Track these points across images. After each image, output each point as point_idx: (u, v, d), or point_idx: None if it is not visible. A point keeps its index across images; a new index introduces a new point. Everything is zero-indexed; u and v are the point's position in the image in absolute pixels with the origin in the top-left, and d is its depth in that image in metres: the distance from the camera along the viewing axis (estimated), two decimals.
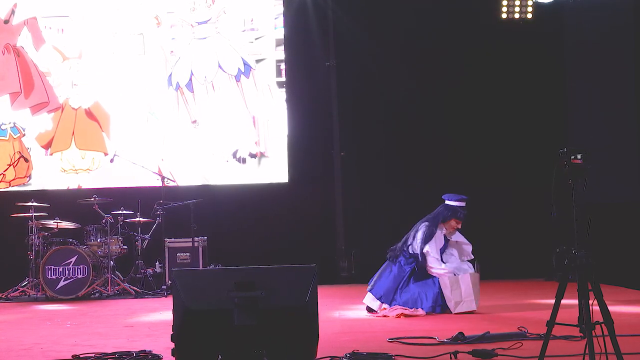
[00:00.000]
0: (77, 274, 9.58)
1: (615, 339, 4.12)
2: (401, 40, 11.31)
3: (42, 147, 11.25)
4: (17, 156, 10.90)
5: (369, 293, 7.53)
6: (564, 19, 11.35)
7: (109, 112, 11.29)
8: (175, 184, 11.08)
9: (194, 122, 11.32)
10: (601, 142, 10.32)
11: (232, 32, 11.41)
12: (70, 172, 11.25)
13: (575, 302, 4.17)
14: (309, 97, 11.48)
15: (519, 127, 11.18)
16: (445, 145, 11.19)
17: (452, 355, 4.96)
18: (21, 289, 9.81)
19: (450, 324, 6.57)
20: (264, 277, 4.39)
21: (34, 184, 11.19)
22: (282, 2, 11.46)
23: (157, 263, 10.32)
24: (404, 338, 5.73)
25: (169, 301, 5.02)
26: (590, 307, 4.11)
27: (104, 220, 9.95)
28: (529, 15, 11.09)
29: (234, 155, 11.30)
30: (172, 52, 11.36)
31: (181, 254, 10.30)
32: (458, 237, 7.77)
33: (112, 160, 10.66)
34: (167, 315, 4.63)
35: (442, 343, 5.53)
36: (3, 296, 9.69)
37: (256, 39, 11.42)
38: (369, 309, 7.48)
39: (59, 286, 9.55)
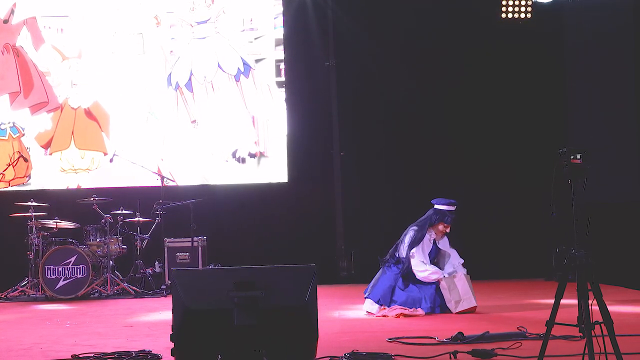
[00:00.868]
0: (77, 274, 9.58)
1: (614, 339, 4.12)
2: (401, 40, 11.31)
3: (42, 146, 11.24)
4: (17, 156, 10.90)
5: (367, 299, 7.53)
6: (564, 19, 11.35)
7: (109, 112, 11.28)
8: (175, 184, 11.07)
9: (194, 121, 11.31)
10: (601, 142, 10.31)
11: (231, 32, 11.40)
12: (70, 172, 11.24)
13: (575, 302, 4.18)
14: (309, 97, 11.47)
15: (519, 127, 11.18)
16: (445, 145, 11.19)
17: (452, 355, 4.97)
18: (21, 289, 9.80)
19: (449, 323, 6.58)
20: (263, 277, 4.39)
21: (34, 184, 11.18)
22: (281, 1, 11.44)
23: (157, 263, 10.32)
24: (404, 338, 5.74)
25: (168, 301, 5.01)
26: (590, 307, 4.11)
27: (103, 220, 9.95)
28: (529, 15, 11.09)
29: (234, 155, 11.29)
30: (171, 51, 11.35)
31: (181, 254, 10.30)
32: (445, 244, 7.80)
33: (111, 160, 10.64)
34: (167, 315, 4.62)
35: (441, 343, 5.54)
36: (3, 296, 9.68)
37: (256, 38, 11.41)
38: (370, 313, 7.48)
39: (58, 286, 9.55)
